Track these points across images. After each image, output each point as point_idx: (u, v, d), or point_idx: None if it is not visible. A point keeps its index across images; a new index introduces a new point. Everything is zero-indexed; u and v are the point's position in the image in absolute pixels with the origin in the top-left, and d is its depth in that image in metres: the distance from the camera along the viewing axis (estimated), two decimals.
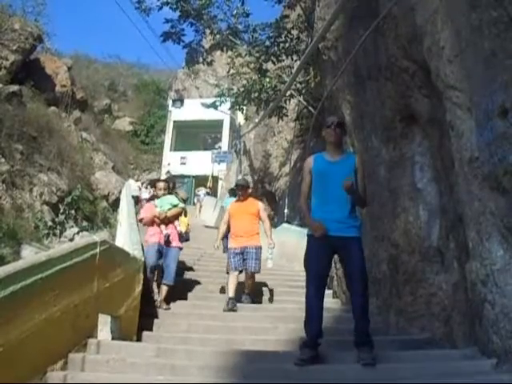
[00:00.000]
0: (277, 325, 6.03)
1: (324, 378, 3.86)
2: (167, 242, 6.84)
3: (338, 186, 4.10)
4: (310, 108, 12.34)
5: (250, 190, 7.74)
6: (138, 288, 5.72)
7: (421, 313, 5.10)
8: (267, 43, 14.04)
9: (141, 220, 7.30)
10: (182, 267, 8.35)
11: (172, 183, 9.09)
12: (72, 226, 15.71)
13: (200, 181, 31.01)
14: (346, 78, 6.86)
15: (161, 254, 6.80)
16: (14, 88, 17.45)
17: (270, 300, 7.51)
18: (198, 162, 32.19)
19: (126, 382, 3.82)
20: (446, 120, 4.11)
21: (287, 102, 13.88)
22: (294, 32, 13.72)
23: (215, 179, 30.96)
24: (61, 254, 4.08)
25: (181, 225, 7.64)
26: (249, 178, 22.74)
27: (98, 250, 4.64)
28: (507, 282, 3.37)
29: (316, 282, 4.19)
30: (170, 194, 7.50)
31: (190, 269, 8.87)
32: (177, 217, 7.22)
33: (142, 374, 4.06)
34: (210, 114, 28.91)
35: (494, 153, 3.39)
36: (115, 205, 16.93)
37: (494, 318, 3.49)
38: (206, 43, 15.77)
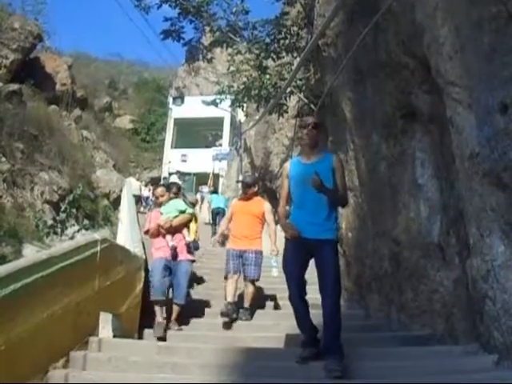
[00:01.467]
0: (278, 322, 6.04)
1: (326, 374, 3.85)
2: (174, 256, 5.96)
3: (313, 188, 4.08)
4: (311, 105, 12.32)
5: (255, 189, 6.90)
6: (139, 286, 5.74)
7: (422, 309, 5.10)
8: (267, 40, 13.97)
9: (146, 232, 6.41)
10: None
11: (176, 187, 8.43)
12: (73, 225, 15.71)
13: (201, 178, 31.03)
14: (346, 75, 6.85)
15: (170, 270, 5.94)
16: (15, 87, 17.40)
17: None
18: (199, 160, 32.17)
19: (128, 381, 3.83)
20: (447, 116, 4.11)
21: (287, 98, 13.83)
22: (294, 29, 13.66)
23: (216, 177, 30.96)
24: (62, 252, 4.10)
25: (189, 232, 7.21)
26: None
27: (98, 248, 4.65)
28: (508, 278, 3.37)
29: (295, 283, 4.26)
30: (176, 197, 6.71)
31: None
32: (185, 225, 6.28)
33: (143, 371, 4.08)
34: (211, 112, 28.83)
35: (495, 148, 3.39)
36: (116, 203, 16.90)
37: (495, 314, 3.49)
38: (206, 40, 15.75)
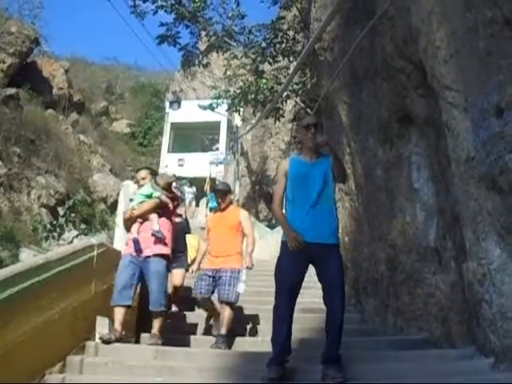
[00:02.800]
0: None
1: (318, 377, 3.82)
2: (137, 250, 5.10)
3: (317, 188, 3.95)
4: (308, 109, 12.35)
5: (231, 196, 6.34)
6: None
7: (419, 313, 5.11)
8: (263, 44, 14.02)
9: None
10: None
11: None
12: (70, 230, 15.69)
13: (198, 182, 31.00)
14: (343, 79, 6.87)
15: (138, 268, 5.08)
16: (11, 91, 17.38)
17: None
18: (196, 164, 32.10)
19: None
20: (442, 120, 4.12)
21: (284, 103, 13.87)
22: (290, 33, 13.74)
23: (213, 181, 30.92)
24: (58, 256, 4.10)
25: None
26: (246, 180, 22.70)
27: (95, 253, 4.66)
28: (504, 282, 3.38)
29: (287, 294, 3.88)
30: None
31: (187, 271, 8.83)
32: (152, 211, 5.24)
33: (140, 376, 4.08)
34: (208, 116, 28.79)
35: (490, 152, 3.40)
36: (113, 207, 16.88)
37: (492, 318, 3.50)
38: (202, 45, 15.76)
